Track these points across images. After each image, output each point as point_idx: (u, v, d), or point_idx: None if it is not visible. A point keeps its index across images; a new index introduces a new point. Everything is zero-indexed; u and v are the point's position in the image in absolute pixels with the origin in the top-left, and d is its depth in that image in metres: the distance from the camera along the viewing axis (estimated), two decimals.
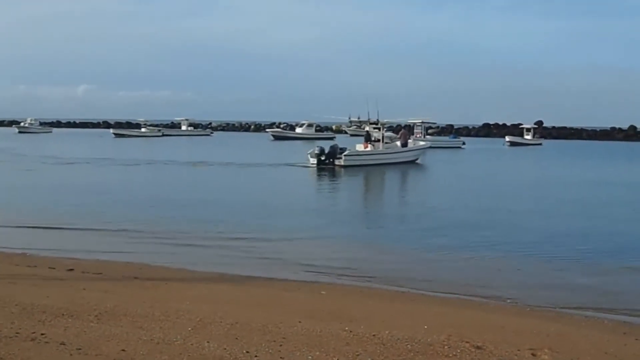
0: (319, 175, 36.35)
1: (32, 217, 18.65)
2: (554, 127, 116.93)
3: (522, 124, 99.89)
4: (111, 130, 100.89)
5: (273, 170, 39.10)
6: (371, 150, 42.73)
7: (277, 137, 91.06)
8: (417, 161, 45.62)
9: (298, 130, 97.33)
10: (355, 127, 76.69)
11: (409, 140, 48.04)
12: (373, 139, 43.43)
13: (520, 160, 56.48)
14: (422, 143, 51.35)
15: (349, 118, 49.36)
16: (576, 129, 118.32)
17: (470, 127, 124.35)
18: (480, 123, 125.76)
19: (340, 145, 41.58)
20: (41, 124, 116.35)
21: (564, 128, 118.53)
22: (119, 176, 34.46)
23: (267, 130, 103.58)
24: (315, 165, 39.11)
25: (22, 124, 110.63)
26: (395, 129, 54.56)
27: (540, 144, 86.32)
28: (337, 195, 29.44)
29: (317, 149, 40.26)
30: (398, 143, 45.79)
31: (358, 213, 23.40)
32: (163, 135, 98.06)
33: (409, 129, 63.85)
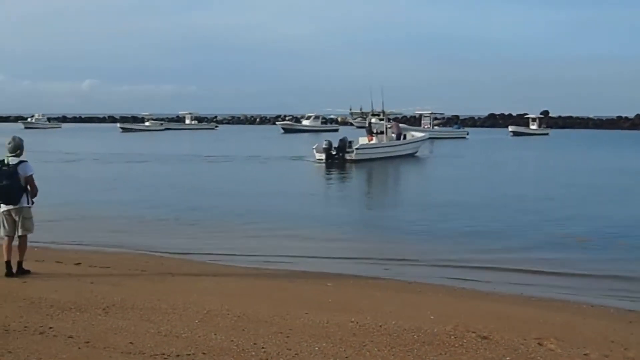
0: (329, 169, 35.48)
1: (46, 211, 18.61)
2: (559, 117, 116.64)
3: (527, 114, 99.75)
4: (118, 125, 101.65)
5: (291, 164, 39.05)
6: (380, 144, 41.46)
7: (286, 130, 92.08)
8: (416, 154, 44.50)
9: (305, 122, 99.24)
10: (360, 118, 76.56)
11: (412, 134, 46.78)
12: (375, 131, 41.88)
13: (527, 151, 55.52)
14: (419, 135, 49.31)
15: (350, 109, 48.23)
16: (582, 119, 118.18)
17: (476, 117, 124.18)
18: (486, 113, 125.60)
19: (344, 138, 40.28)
20: (49, 119, 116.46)
21: (570, 117, 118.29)
22: (132, 170, 34.50)
23: (277, 123, 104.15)
24: (323, 161, 37.70)
25: (29, 119, 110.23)
26: (401, 120, 53.68)
27: (547, 134, 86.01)
28: (357, 190, 28.94)
29: (324, 142, 38.66)
30: (393, 135, 43.61)
31: (370, 204, 23.57)
32: (166, 129, 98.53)
33: (410, 120, 63.15)
